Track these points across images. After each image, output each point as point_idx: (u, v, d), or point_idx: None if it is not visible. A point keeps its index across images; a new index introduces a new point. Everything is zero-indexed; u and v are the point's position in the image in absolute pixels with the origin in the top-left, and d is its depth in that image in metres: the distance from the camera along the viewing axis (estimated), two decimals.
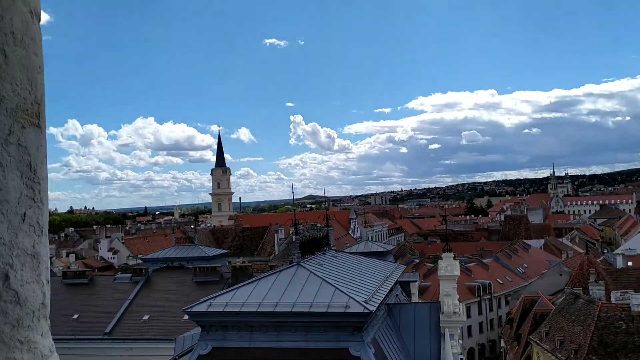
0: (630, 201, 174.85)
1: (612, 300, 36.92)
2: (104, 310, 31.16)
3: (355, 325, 11.36)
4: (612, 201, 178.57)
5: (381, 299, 13.06)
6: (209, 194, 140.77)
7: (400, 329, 14.47)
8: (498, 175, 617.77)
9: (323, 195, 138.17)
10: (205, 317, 11.91)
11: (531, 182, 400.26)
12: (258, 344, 11.67)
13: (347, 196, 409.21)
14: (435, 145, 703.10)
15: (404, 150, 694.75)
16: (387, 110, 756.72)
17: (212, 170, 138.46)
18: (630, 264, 57.00)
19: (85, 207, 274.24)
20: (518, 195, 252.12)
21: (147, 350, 27.83)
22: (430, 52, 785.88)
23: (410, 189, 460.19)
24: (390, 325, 14.37)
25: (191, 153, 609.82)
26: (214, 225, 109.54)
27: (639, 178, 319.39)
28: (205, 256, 34.74)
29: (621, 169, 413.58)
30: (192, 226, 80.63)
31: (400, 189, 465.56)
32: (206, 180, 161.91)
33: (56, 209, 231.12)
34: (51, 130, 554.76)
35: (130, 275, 34.56)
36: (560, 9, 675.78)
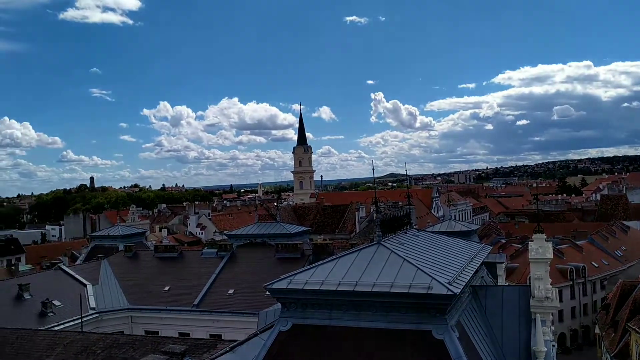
0: None
1: None
2: (192, 283, 32.65)
3: (438, 308, 10.91)
4: None
5: (466, 280, 12.45)
6: (291, 172, 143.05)
7: (487, 312, 13.80)
8: (593, 153, 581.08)
9: (404, 173, 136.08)
10: (285, 294, 11.94)
11: (631, 159, 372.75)
12: (337, 322, 11.56)
13: (429, 174, 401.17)
14: (524, 122, 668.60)
15: (489, 127, 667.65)
16: (472, 85, 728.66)
17: (293, 148, 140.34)
18: None
19: (176, 184, 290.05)
20: (616, 174, 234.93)
21: (232, 322, 28.91)
22: (518, 22, 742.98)
23: (496, 167, 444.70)
24: (476, 308, 13.72)
25: (274, 132, 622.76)
26: (296, 203, 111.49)
27: None
28: (287, 233, 35.30)
29: None
30: (275, 203, 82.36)
31: (485, 167, 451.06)
32: (288, 158, 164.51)
33: (150, 187, 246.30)
34: (145, 112, 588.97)
35: (216, 250, 35.90)
36: None
